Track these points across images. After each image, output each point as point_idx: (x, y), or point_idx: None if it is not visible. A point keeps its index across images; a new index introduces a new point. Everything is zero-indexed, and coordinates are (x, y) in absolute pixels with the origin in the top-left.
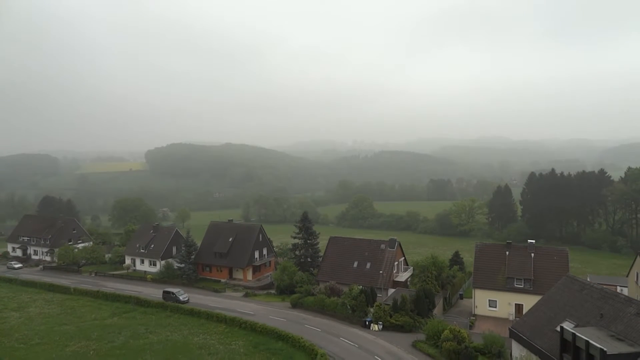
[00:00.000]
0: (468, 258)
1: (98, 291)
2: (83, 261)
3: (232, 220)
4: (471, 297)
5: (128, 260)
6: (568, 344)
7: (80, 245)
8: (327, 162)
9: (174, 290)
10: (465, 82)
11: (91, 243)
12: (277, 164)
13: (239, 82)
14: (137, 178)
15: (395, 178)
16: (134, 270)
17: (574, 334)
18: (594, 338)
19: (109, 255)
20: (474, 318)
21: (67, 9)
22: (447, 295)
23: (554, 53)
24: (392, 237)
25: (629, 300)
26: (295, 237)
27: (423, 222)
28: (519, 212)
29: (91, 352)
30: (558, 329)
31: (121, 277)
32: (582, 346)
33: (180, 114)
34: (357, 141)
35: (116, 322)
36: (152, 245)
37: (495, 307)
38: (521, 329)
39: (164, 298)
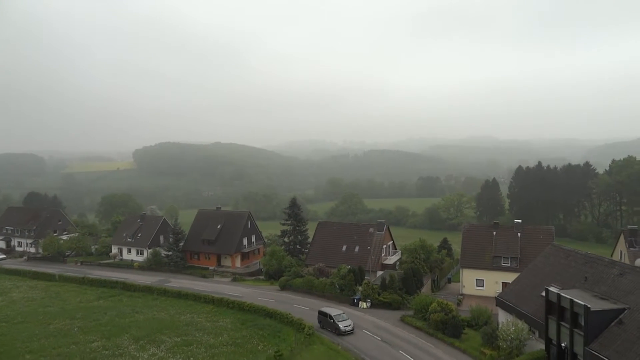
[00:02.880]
0: (457, 248)
1: (84, 277)
2: (68, 252)
3: (220, 207)
4: (459, 281)
5: (115, 250)
6: (553, 305)
7: (65, 237)
8: (317, 161)
9: (333, 312)
10: (453, 82)
11: (77, 234)
12: (267, 163)
13: (226, 83)
14: (125, 177)
15: (385, 176)
16: (121, 259)
17: (558, 295)
18: (578, 297)
19: (96, 246)
20: (461, 297)
21: (53, 10)
22: (436, 278)
23: (540, 53)
24: (381, 221)
25: (612, 262)
26: (284, 224)
27: (412, 217)
28: (507, 206)
29: (75, 329)
30: (543, 293)
31: (108, 265)
32: (567, 306)
33: (168, 114)
34: (347, 141)
35: (102, 304)
36: (140, 235)
37: (483, 286)
38: (507, 297)
39: (319, 321)
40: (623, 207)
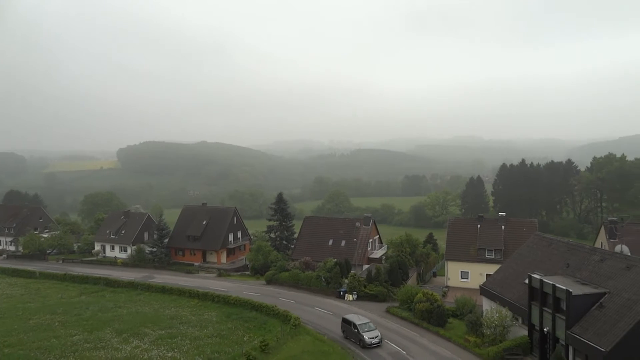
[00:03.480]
0: (442, 244)
1: (65, 274)
2: (50, 250)
3: (206, 203)
4: (444, 275)
5: (97, 247)
6: (536, 292)
7: (47, 234)
8: (304, 161)
9: (358, 320)
10: (438, 83)
11: (59, 232)
12: (253, 162)
13: (211, 82)
14: (109, 176)
15: (371, 175)
16: (104, 256)
17: (541, 281)
18: (560, 283)
19: (78, 244)
20: (446, 289)
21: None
22: (421, 271)
23: (523, 54)
24: (367, 215)
25: (593, 249)
26: (270, 220)
27: (398, 214)
28: (491, 203)
29: (56, 324)
30: (527, 281)
31: (90, 262)
32: (549, 291)
33: (152, 114)
34: (333, 140)
35: (84, 299)
36: (123, 231)
37: (467, 278)
38: (491, 285)
39: (342, 330)
40: (603, 204)
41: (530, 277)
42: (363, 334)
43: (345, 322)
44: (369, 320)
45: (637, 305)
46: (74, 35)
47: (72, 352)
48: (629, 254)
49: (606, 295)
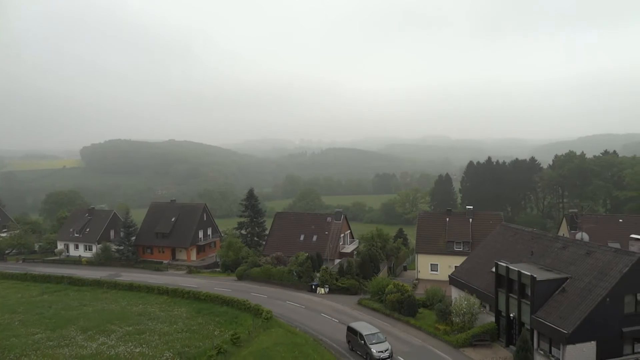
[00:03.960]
0: (412, 240)
1: (26, 274)
2: (8, 250)
3: (174, 200)
4: (415, 269)
5: (60, 246)
6: (502, 278)
7: (5, 234)
8: (275, 159)
9: (364, 330)
10: (407, 84)
11: (18, 231)
12: (223, 160)
13: (178, 81)
14: (72, 176)
15: (342, 174)
16: (67, 256)
17: (507, 268)
18: (525, 269)
19: (40, 243)
20: (417, 281)
21: None
22: (392, 265)
23: (487, 55)
24: (338, 210)
25: (555, 238)
26: (241, 216)
27: (369, 212)
28: (459, 200)
29: (16, 323)
30: (494, 269)
31: (53, 262)
32: (515, 278)
33: (117, 112)
34: (304, 140)
35: (46, 298)
36: (88, 230)
37: (437, 270)
38: (459, 274)
39: (348, 341)
40: (565, 200)
41: (496, 265)
42: (370, 346)
43: (351, 331)
44: (379, 330)
45: (597, 288)
46: (34, 28)
47: (33, 350)
48: (589, 241)
49: (568, 280)
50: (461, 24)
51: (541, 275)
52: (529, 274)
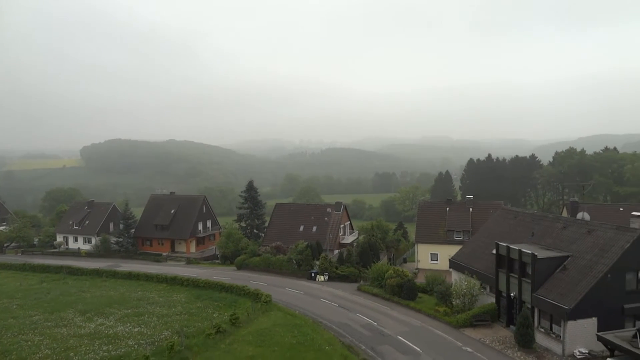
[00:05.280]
0: (412, 235)
1: (24, 264)
2: (7, 243)
3: (174, 192)
4: (414, 261)
5: (60, 238)
6: (503, 259)
7: (4, 228)
8: (274, 159)
9: None
10: (407, 84)
11: (17, 224)
12: (223, 160)
13: (178, 82)
14: (72, 175)
15: (342, 173)
16: (66, 248)
17: (508, 247)
18: (525, 248)
19: (39, 237)
20: (417, 271)
21: None
22: (392, 257)
23: (488, 56)
24: (339, 201)
25: (556, 218)
26: (240, 208)
27: (369, 209)
28: (459, 197)
29: (14, 306)
30: (494, 251)
31: (52, 254)
32: (516, 257)
33: (117, 113)
34: (304, 140)
35: (45, 286)
36: (87, 222)
37: (437, 260)
38: (460, 258)
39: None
40: (565, 197)
41: (497, 245)
42: None
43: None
44: None
45: (598, 265)
46: (36, 32)
47: (31, 329)
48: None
49: (569, 258)
50: (458, 26)
51: (542, 253)
52: (529, 252)
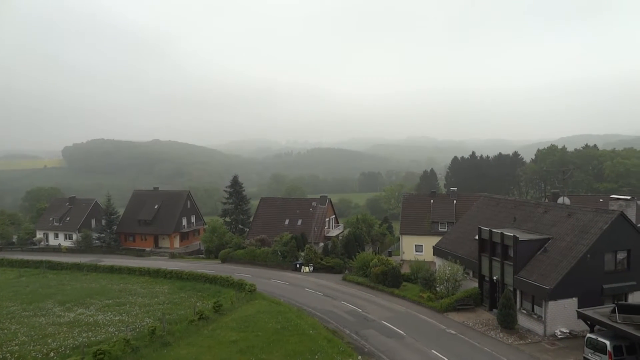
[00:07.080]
0: (398, 231)
1: (2, 259)
2: None
3: (157, 188)
4: (399, 255)
5: (40, 235)
6: (485, 243)
7: None
8: (261, 159)
9: None
10: (392, 85)
11: None
12: (209, 160)
13: (162, 84)
14: (54, 175)
15: (328, 173)
16: (47, 245)
17: (490, 231)
18: (507, 232)
19: (18, 234)
20: (402, 262)
21: None
22: (377, 250)
23: (473, 57)
24: (324, 195)
25: (538, 203)
26: (225, 203)
27: (355, 208)
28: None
29: None
30: (477, 237)
31: (32, 251)
32: (498, 240)
33: (99, 113)
34: (290, 140)
35: (23, 280)
36: (68, 218)
37: (422, 251)
38: (443, 244)
39: None
40: (547, 194)
41: (480, 230)
42: None
43: None
44: None
45: (578, 245)
46: (15, 31)
47: (8, 318)
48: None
49: (550, 241)
50: (440, 28)
51: (524, 236)
52: (511, 234)
